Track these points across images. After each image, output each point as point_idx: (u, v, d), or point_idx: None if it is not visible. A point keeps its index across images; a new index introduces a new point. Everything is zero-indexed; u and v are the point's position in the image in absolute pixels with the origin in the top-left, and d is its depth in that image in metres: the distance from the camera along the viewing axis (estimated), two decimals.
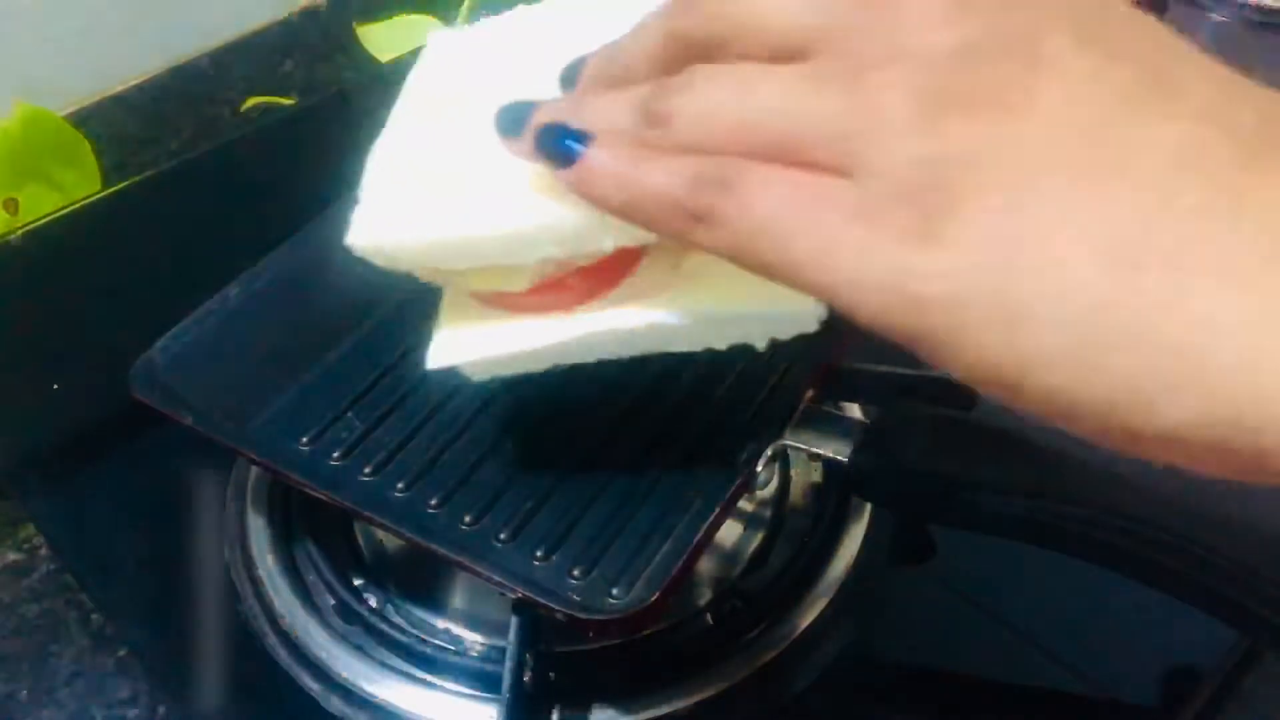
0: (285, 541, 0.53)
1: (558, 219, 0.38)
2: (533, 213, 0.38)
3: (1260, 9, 0.93)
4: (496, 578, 0.41)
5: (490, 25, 0.49)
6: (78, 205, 0.76)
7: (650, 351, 0.42)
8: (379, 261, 0.42)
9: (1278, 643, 0.40)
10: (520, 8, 0.49)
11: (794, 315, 0.39)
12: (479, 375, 0.44)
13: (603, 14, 0.43)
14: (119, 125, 0.87)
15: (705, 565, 0.51)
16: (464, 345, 0.43)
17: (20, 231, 0.74)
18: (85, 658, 0.52)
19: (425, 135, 0.45)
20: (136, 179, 0.79)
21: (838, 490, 0.53)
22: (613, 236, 0.38)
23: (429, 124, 0.45)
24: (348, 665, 0.48)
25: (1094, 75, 0.25)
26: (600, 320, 0.41)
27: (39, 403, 0.64)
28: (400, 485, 0.48)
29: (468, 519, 0.46)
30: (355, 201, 0.43)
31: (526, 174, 0.38)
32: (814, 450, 0.45)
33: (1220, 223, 0.23)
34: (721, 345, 0.42)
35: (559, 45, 0.42)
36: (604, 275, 0.41)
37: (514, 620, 0.44)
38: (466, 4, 0.95)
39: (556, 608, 0.40)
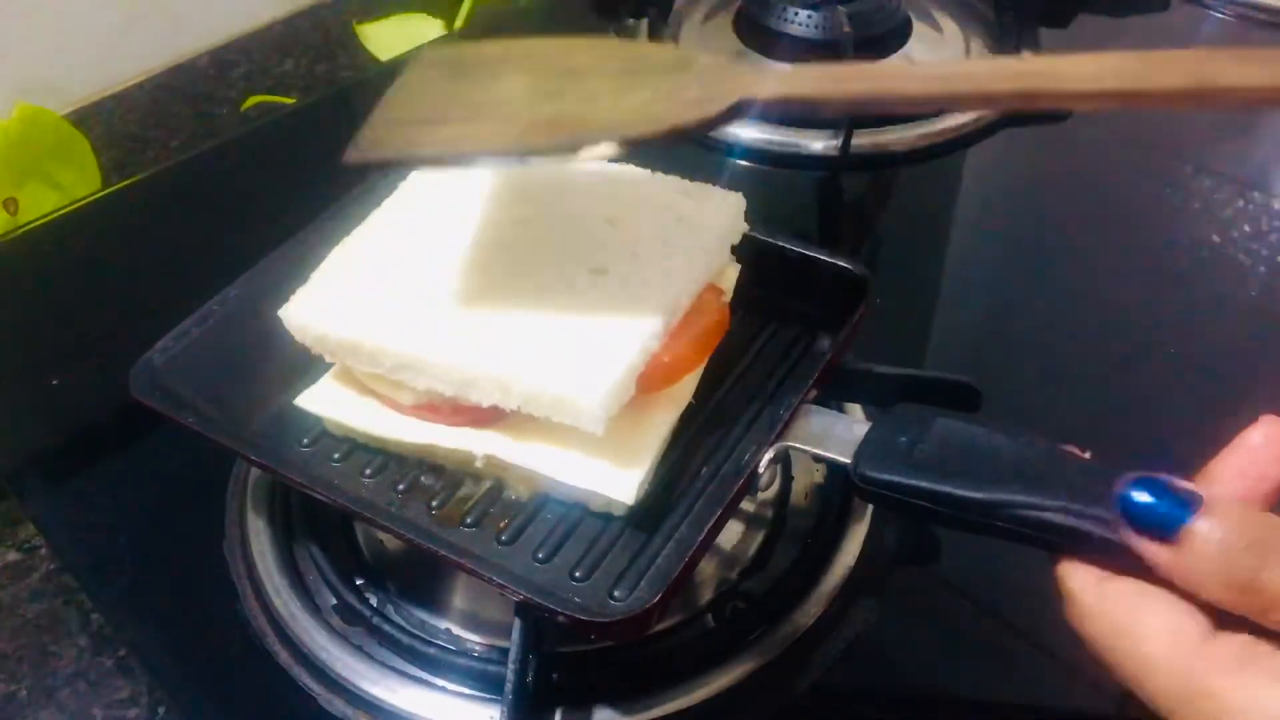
0: (285, 541, 0.53)
1: (457, 362, 0.44)
2: (441, 349, 0.44)
3: (1261, 8, 0.93)
4: (498, 580, 0.41)
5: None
6: (78, 205, 0.76)
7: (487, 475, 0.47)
8: (298, 337, 0.48)
9: None
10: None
11: (606, 499, 0.45)
12: (337, 431, 0.50)
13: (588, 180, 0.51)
14: (119, 125, 0.87)
15: (707, 566, 0.51)
16: (335, 403, 0.49)
17: (20, 231, 0.74)
18: (85, 658, 0.52)
19: (389, 245, 0.50)
20: (136, 179, 0.79)
21: (839, 491, 0.53)
22: (487, 398, 0.44)
23: (399, 236, 0.50)
24: (348, 665, 0.48)
25: None
26: (453, 436, 0.47)
27: (39, 402, 0.64)
28: (401, 487, 0.48)
29: (469, 520, 0.46)
30: (304, 280, 0.48)
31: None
32: (815, 452, 0.45)
33: None
34: (527, 489, 0.47)
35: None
36: (477, 414, 0.46)
37: (517, 622, 0.44)
38: (466, 4, 0.95)
39: (558, 610, 0.40)
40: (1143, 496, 0.34)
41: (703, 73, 0.41)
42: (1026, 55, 0.37)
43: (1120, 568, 0.36)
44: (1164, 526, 0.33)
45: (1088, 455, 0.40)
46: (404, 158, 0.41)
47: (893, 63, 0.39)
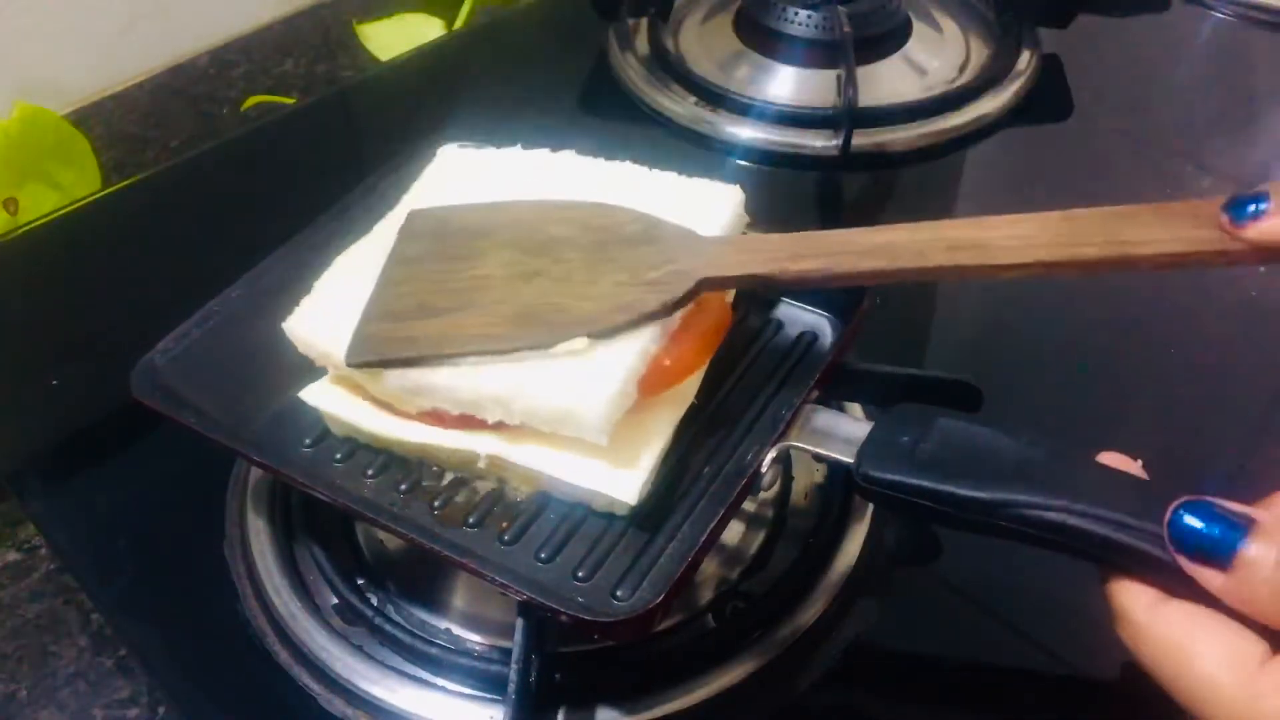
0: (285, 541, 0.52)
1: (460, 385, 0.44)
2: (444, 374, 0.44)
3: (1261, 8, 0.93)
4: (500, 580, 0.41)
5: (496, 155, 0.55)
6: (78, 205, 0.76)
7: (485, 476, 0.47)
8: (303, 350, 0.48)
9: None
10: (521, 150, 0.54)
11: (608, 499, 0.44)
12: (339, 431, 0.50)
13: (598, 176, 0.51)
14: (119, 125, 0.87)
15: (707, 566, 0.51)
16: (339, 401, 0.48)
17: (20, 231, 0.74)
18: (85, 658, 0.52)
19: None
20: (136, 179, 0.79)
21: (839, 491, 0.53)
22: (492, 416, 0.44)
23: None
24: (348, 665, 0.48)
25: None
26: (456, 437, 0.46)
27: (39, 402, 0.64)
28: (403, 487, 0.48)
29: (471, 520, 0.46)
30: (308, 291, 0.49)
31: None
32: (818, 451, 0.45)
33: None
34: (529, 488, 0.47)
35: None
36: (482, 422, 0.45)
37: (520, 622, 0.44)
38: (467, 4, 0.95)
39: (561, 610, 0.40)
40: (1193, 522, 0.34)
41: (667, 246, 0.45)
42: (961, 221, 0.41)
43: (1173, 587, 0.36)
44: (1217, 553, 0.33)
45: (1138, 463, 0.40)
46: (400, 358, 0.45)
47: (840, 233, 0.43)
